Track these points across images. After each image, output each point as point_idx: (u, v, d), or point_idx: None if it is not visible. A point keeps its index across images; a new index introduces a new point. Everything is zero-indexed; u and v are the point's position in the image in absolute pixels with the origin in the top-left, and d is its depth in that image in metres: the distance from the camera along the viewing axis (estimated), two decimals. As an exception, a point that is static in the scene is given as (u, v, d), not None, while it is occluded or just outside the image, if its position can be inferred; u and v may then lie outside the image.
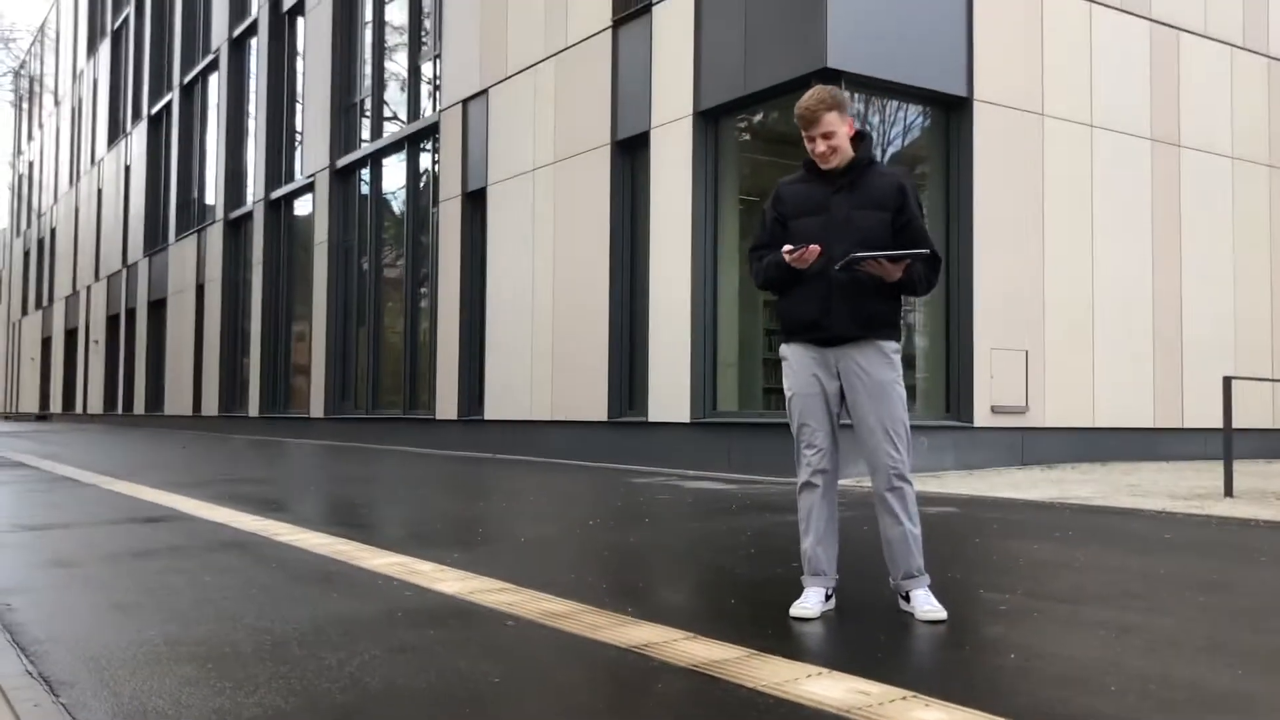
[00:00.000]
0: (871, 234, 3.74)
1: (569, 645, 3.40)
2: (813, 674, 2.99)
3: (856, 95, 10.27)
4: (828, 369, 3.83)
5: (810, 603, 3.79)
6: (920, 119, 10.89)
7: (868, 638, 3.55)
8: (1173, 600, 4.14)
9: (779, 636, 3.50)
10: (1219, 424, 8.56)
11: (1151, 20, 12.12)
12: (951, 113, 10.69)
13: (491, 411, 14.69)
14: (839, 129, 3.80)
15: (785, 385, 3.93)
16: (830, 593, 3.88)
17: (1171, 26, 12.31)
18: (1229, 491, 8.10)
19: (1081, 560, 5.17)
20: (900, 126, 10.94)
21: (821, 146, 3.80)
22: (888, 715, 2.62)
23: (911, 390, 10.71)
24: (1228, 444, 8.28)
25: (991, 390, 10.50)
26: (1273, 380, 10.08)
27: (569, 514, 7.75)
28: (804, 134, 3.83)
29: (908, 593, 3.80)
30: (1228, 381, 8.43)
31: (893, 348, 3.82)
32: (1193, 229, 12.41)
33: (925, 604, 3.73)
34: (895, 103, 10.69)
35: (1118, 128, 11.76)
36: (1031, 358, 10.84)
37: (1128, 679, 2.97)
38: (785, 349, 3.93)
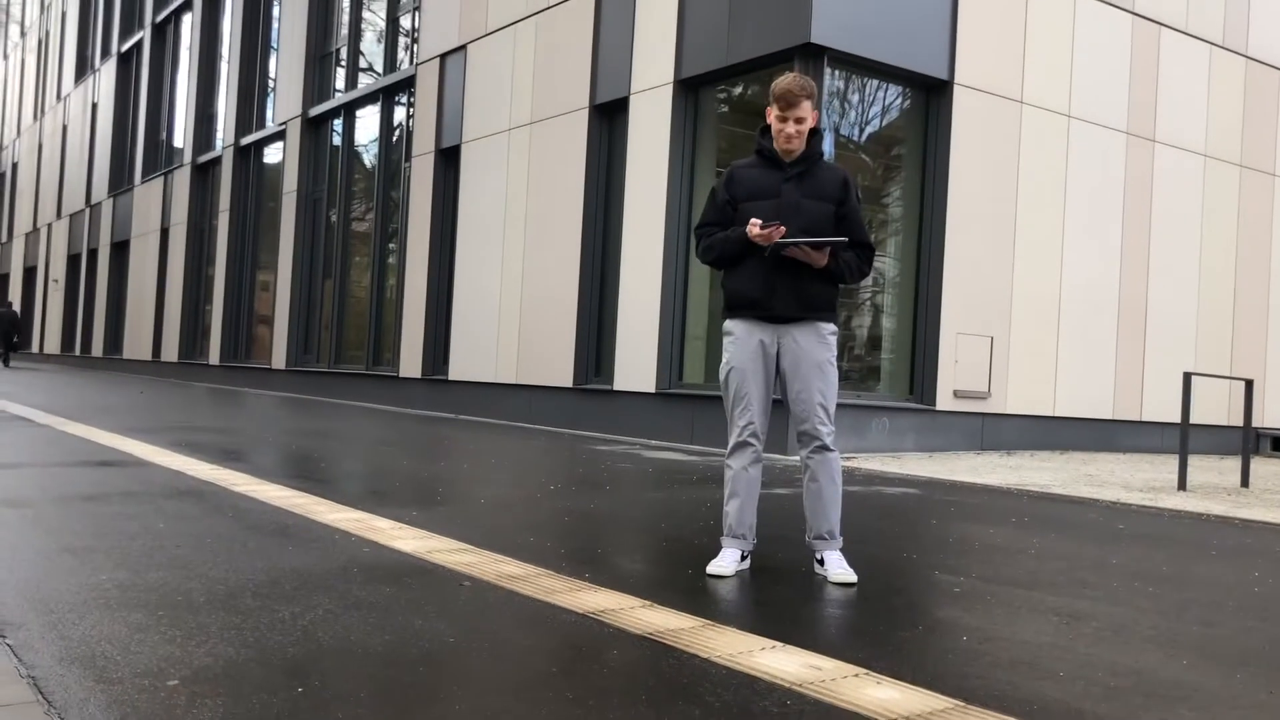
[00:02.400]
0: (816, 222, 4.01)
1: (525, 608, 3.39)
2: (766, 647, 3.01)
3: (837, 73, 10.24)
4: (769, 344, 4.07)
5: (726, 561, 4.05)
6: (900, 100, 10.88)
7: (823, 614, 3.57)
8: (1123, 590, 4.19)
9: (735, 608, 3.51)
10: (1177, 418, 8.68)
11: (1135, 14, 12.16)
12: (931, 95, 10.69)
13: (456, 372, 14.62)
14: (809, 118, 4.05)
15: (725, 357, 4.12)
16: (746, 554, 4.15)
17: (1154, 21, 12.35)
18: (1183, 485, 8.22)
19: (1036, 546, 5.23)
20: (880, 106, 10.92)
21: (792, 129, 4.02)
22: (840, 691, 2.63)
23: (875, 371, 10.78)
24: (1184, 438, 8.39)
25: (955, 375, 10.57)
26: (1231, 378, 10.21)
27: (530, 478, 7.74)
28: (777, 113, 4.03)
29: (822, 556, 4.08)
30: (1187, 377, 8.54)
31: (830, 329, 4.10)
32: (1162, 224, 12.51)
33: (838, 567, 4.01)
34: (876, 82, 10.67)
35: (1094, 119, 11.81)
36: (996, 344, 10.91)
37: (1076, 665, 3.01)
38: (730, 323, 4.13)
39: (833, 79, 10.20)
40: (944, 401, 10.51)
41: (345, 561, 3.98)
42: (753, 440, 4.11)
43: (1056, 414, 11.56)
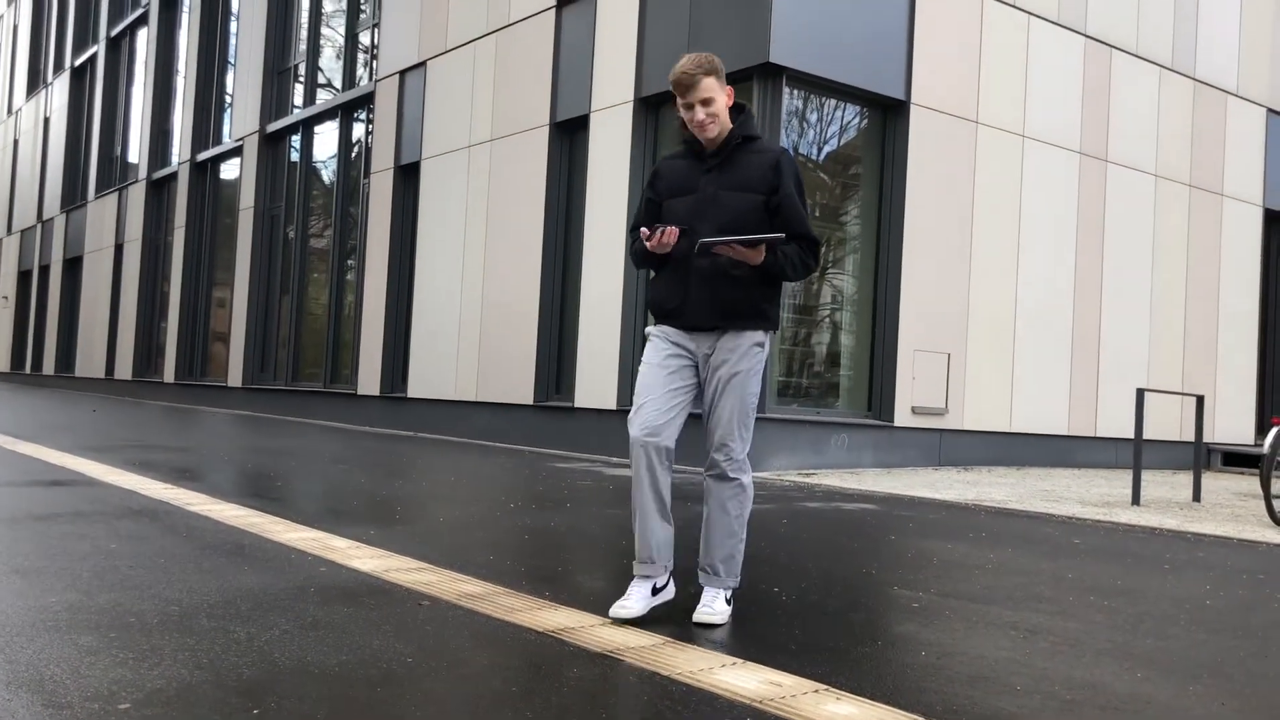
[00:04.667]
0: (741, 216, 3.53)
1: (484, 627, 3.37)
2: (727, 664, 3.00)
3: (796, 92, 10.33)
4: (687, 350, 3.64)
5: (631, 601, 3.49)
6: (858, 119, 10.99)
7: (782, 629, 3.57)
8: (1079, 604, 4.24)
9: (695, 625, 3.51)
10: (1130, 434, 8.80)
11: (1087, 36, 12.38)
12: (888, 115, 10.81)
13: (415, 389, 14.53)
14: (718, 96, 3.56)
15: (643, 359, 3.75)
16: (660, 585, 3.62)
17: (1105, 44, 12.58)
18: (1137, 500, 8.33)
19: (993, 561, 5.27)
20: (838, 125, 11.03)
21: (701, 114, 3.56)
22: (799, 707, 2.64)
23: (834, 388, 10.84)
24: (1138, 454, 8.51)
25: (913, 391, 10.65)
26: (1182, 394, 10.38)
27: (490, 496, 7.70)
28: (680, 102, 3.60)
29: (703, 588, 3.64)
30: (1140, 393, 8.66)
31: (755, 338, 3.61)
32: (1114, 243, 12.71)
33: (705, 605, 3.57)
34: (834, 102, 10.77)
35: (1048, 139, 11.99)
36: (953, 361, 11.02)
37: (1033, 679, 3.03)
38: (651, 330, 3.76)
39: (791, 98, 10.28)
40: (902, 418, 10.59)
41: (302, 581, 3.94)
42: (653, 440, 3.54)
43: (1013, 430, 11.68)
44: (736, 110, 3.64)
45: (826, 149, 11.06)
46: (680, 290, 3.61)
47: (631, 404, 3.66)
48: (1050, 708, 2.77)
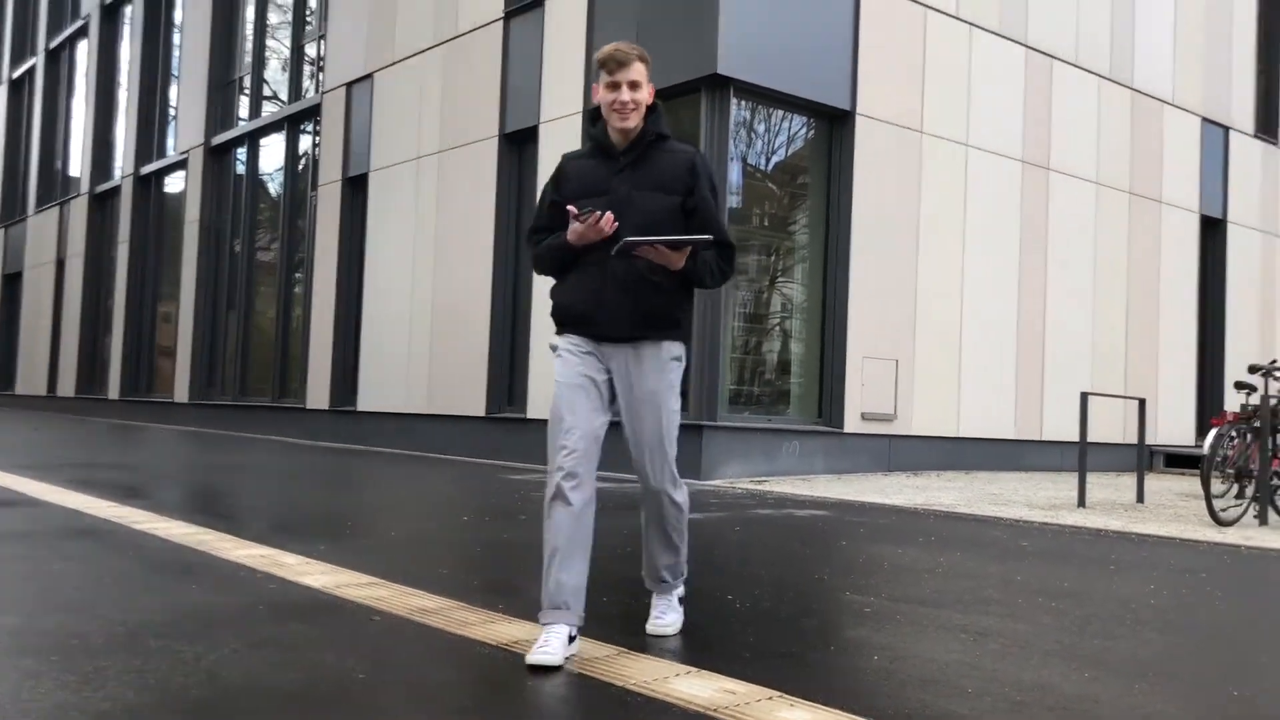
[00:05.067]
0: (655, 218, 3.28)
1: (438, 642, 3.35)
2: (681, 673, 3.01)
3: (743, 103, 10.41)
4: (601, 364, 3.36)
5: (552, 647, 3.05)
6: (805, 130, 11.09)
7: (736, 637, 3.59)
8: (1027, 606, 4.30)
9: (649, 635, 3.51)
10: (1075, 437, 8.94)
11: (1028, 47, 12.59)
12: (835, 125, 10.92)
13: (365, 403, 14.41)
14: (645, 86, 3.35)
15: (555, 376, 3.42)
16: (574, 634, 3.16)
17: (1046, 54, 12.81)
18: (1082, 502, 8.46)
19: (943, 565, 5.33)
20: (785, 136, 11.12)
21: (627, 95, 3.29)
22: (754, 714, 2.65)
23: (785, 395, 10.91)
24: (1082, 456, 8.66)
25: (862, 398, 10.75)
26: (1125, 397, 10.58)
27: (442, 509, 7.65)
28: (606, 80, 3.32)
29: (653, 596, 3.59)
30: (1084, 397, 8.81)
31: (674, 351, 3.38)
32: (1057, 250, 12.93)
33: (658, 613, 3.55)
34: (781, 113, 10.86)
35: (992, 148, 12.18)
36: (901, 367, 11.14)
37: (984, 681, 3.07)
38: (557, 339, 3.45)
39: (739, 109, 10.36)
40: (852, 424, 10.68)
41: (251, 599, 3.89)
42: (570, 482, 3.22)
43: (961, 435, 11.83)
44: (650, 109, 3.41)
45: (774, 159, 11.15)
46: (592, 296, 3.31)
47: (551, 425, 3.34)
48: (1000, 709, 2.81)
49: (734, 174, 10.35)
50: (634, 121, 3.35)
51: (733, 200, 10.43)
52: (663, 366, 3.36)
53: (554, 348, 3.45)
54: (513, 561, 5.30)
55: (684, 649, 3.37)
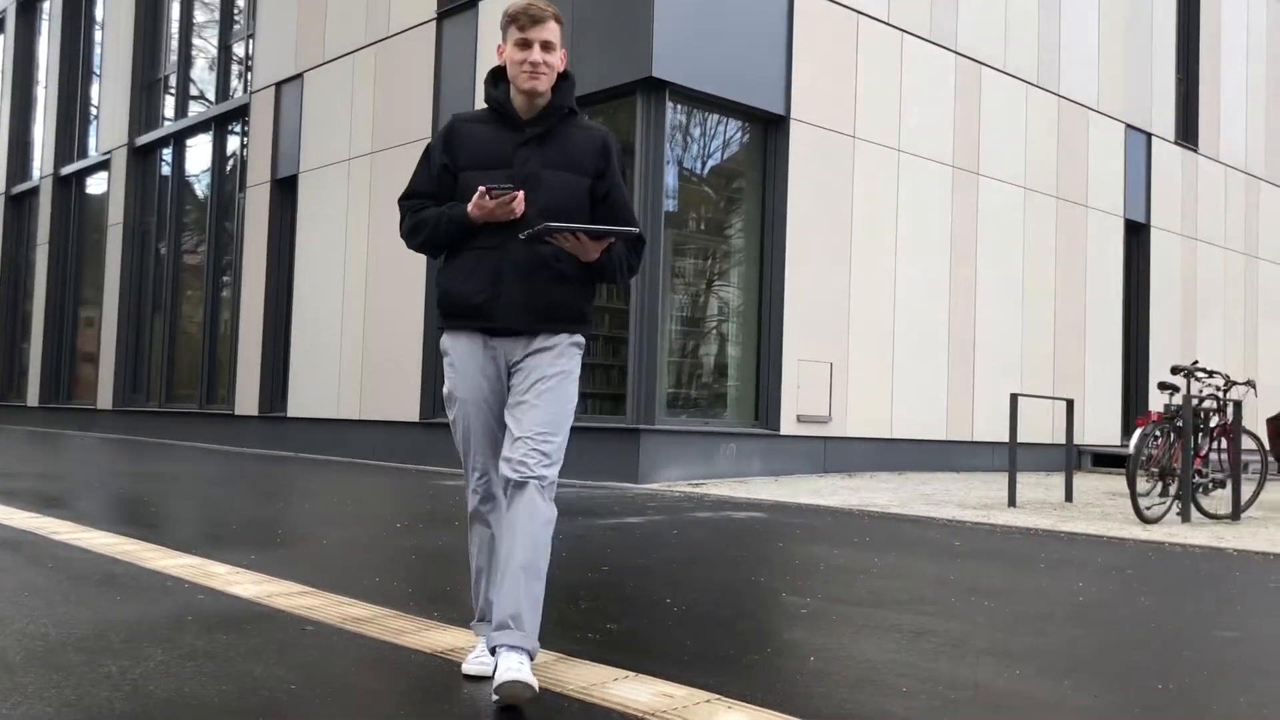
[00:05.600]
0: (563, 200, 2.96)
1: (371, 651, 3.29)
2: (620, 677, 2.99)
3: (679, 107, 10.43)
4: (497, 365, 3.03)
5: (489, 657, 2.90)
6: (740, 134, 11.15)
7: (674, 640, 3.58)
8: (961, 605, 4.35)
9: (586, 640, 3.49)
10: (1006, 438, 9.09)
11: (957, 53, 12.79)
12: (769, 130, 10.99)
13: (295, 408, 14.18)
14: (559, 49, 3.04)
15: (446, 386, 3.08)
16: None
17: (975, 60, 13.02)
18: (1013, 501, 8.60)
19: (878, 566, 5.38)
20: (721, 140, 11.17)
21: (538, 55, 2.97)
22: (692, 717, 2.64)
23: (722, 398, 10.95)
24: (1012, 457, 8.80)
25: (798, 400, 10.83)
26: (1053, 398, 10.78)
27: (374, 516, 7.55)
28: (516, 36, 3.01)
29: (495, 647, 2.79)
30: (1014, 398, 8.96)
31: (575, 342, 3.05)
32: (987, 253, 13.14)
33: (508, 670, 2.66)
34: (716, 117, 10.91)
35: (922, 153, 12.34)
36: (836, 370, 11.24)
37: (919, 680, 3.10)
38: (446, 340, 3.07)
39: (675, 113, 10.38)
40: (788, 426, 10.75)
41: (179, 610, 3.79)
42: (488, 505, 3.08)
43: (894, 436, 11.97)
44: (562, 78, 3.07)
45: (710, 163, 11.19)
46: (488, 283, 2.96)
47: (459, 443, 3.08)
48: (935, 708, 2.83)
49: (670, 177, 10.37)
50: (544, 86, 3.00)
51: (669, 204, 10.45)
52: (562, 351, 3.01)
53: (444, 353, 3.08)
54: (446, 569, 5.24)
55: (622, 653, 3.35)
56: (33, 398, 21.59)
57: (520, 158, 3.00)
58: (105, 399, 18.82)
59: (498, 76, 3.10)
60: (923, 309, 12.32)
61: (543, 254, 2.95)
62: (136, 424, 17.90)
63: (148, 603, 3.92)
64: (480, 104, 3.43)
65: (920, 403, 12.30)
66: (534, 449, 2.88)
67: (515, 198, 2.88)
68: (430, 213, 3.04)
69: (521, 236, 2.88)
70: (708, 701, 2.78)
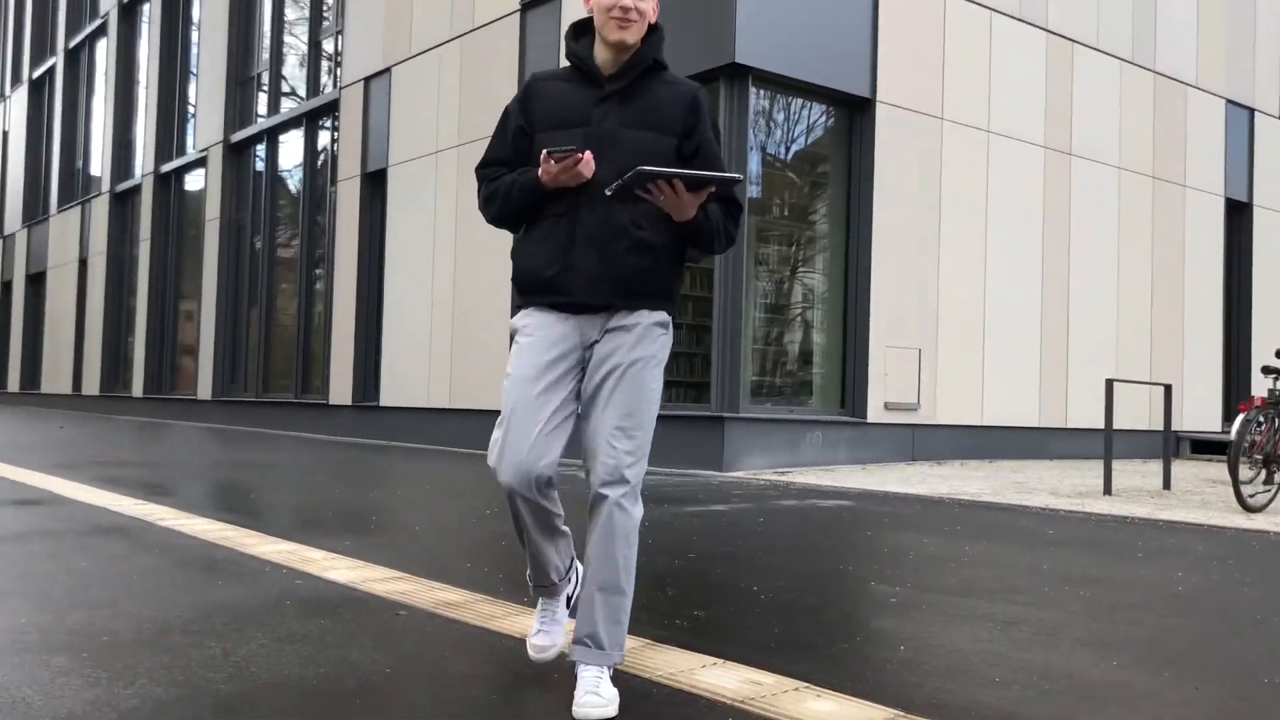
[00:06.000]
0: (645, 161, 2.60)
1: (462, 635, 3.35)
2: (707, 664, 3.00)
3: (762, 92, 10.36)
4: (573, 346, 2.73)
5: (548, 638, 2.88)
6: (824, 118, 11.04)
7: (761, 628, 3.58)
8: (1055, 594, 4.27)
9: (673, 627, 3.51)
10: (1101, 424, 8.88)
11: (1048, 31, 12.48)
12: (855, 113, 10.86)
13: (388, 398, 14.46)
14: (650, 1, 2.77)
15: (507, 367, 2.80)
16: (573, 592, 2.92)
17: (1066, 38, 12.69)
18: (1108, 489, 8.40)
19: (969, 554, 5.31)
20: (805, 125, 11.07)
21: (629, 1, 2.71)
22: (780, 706, 2.64)
23: (807, 385, 10.88)
24: (1108, 444, 8.59)
25: (885, 387, 10.71)
26: (1150, 383, 10.49)
27: (465, 503, 7.67)
28: None
29: (576, 663, 2.65)
30: (1109, 384, 8.75)
31: (657, 317, 2.73)
32: (1081, 235, 12.83)
33: (587, 690, 2.57)
34: (800, 101, 10.82)
35: (1013, 134, 12.09)
36: (924, 356, 11.08)
37: (1011, 670, 3.05)
38: (519, 318, 2.82)
39: (758, 99, 10.32)
40: (875, 414, 10.64)
41: (278, 594, 3.90)
42: (521, 488, 2.72)
43: (985, 423, 11.76)
44: (650, 31, 2.81)
45: (794, 148, 11.10)
46: (559, 253, 2.70)
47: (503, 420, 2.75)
48: (1029, 698, 2.79)
49: (753, 164, 10.31)
50: (634, 36, 2.73)
51: (752, 190, 10.40)
52: (644, 334, 2.70)
53: (513, 333, 2.82)
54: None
55: (709, 640, 3.36)
56: (138, 389, 22.37)
57: (598, 115, 2.73)
58: (205, 390, 19.41)
59: (579, 31, 2.86)
60: (1014, 292, 12.08)
61: (620, 220, 2.66)
62: (235, 414, 18.43)
63: (248, 587, 4.05)
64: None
65: (1012, 389, 12.07)
66: (614, 448, 2.65)
67: (579, 159, 2.59)
68: (503, 180, 2.80)
69: (608, 191, 2.58)
70: (796, 690, 2.78)
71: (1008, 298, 11.99)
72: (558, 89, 2.80)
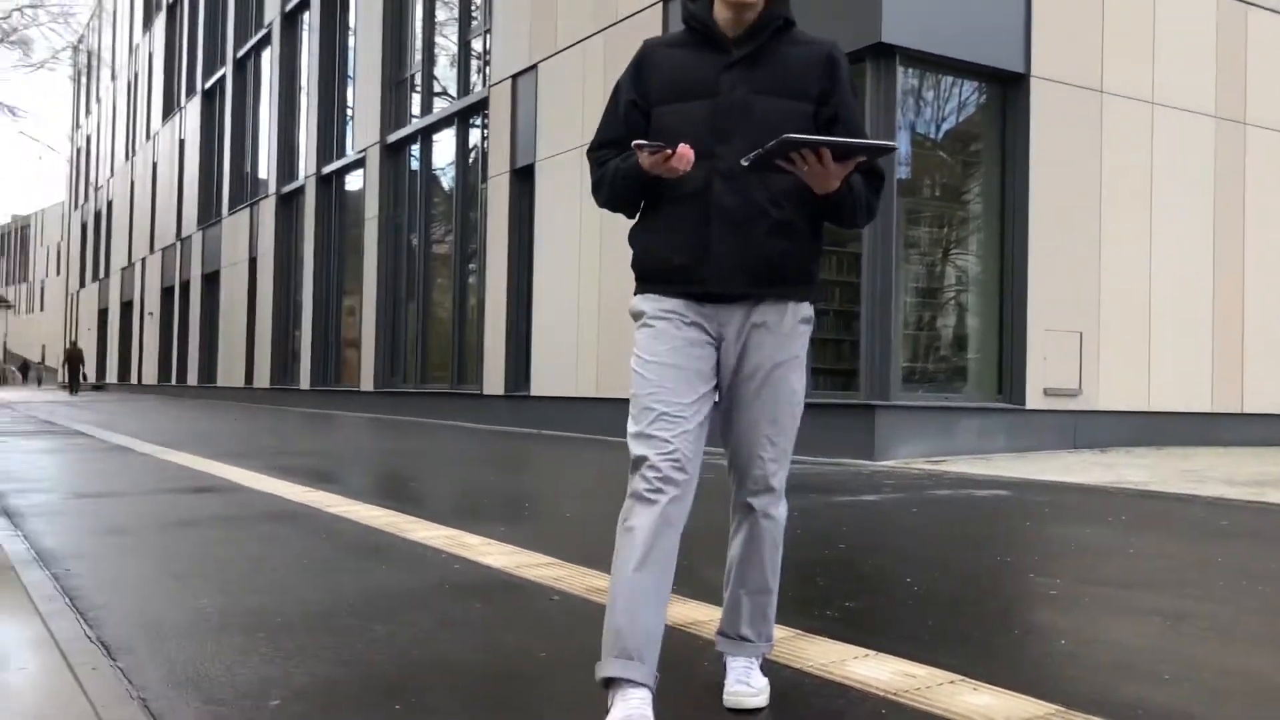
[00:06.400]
0: (783, 128, 2.31)
1: (614, 622, 3.40)
2: (859, 655, 2.97)
3: (910, 71, 10.12)
4: (707, 336, 2.45)
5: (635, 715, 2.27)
6: (976, 96, 10.71)
7: (914, 620, 3.52)
8: (1229, 589, 4.06)
9: (825, 618, 3.48)
10: None
11: (1217, -6, 11.82)
12: (1008, 89, 10.50)
13: (538, 387, 14.75)
14: None
15: (635, 355, 2.52)
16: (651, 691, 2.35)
17: (1239, 0, 11.98)
18: (1288, 478, 7.93)
19: (1134, 546, 5.09)
20: (955, 103, 10.78)
21: None
22: (934, 699, 2.59)
23: (962, 371, 10.59)
24: (1288, 430, 8.10)
25: (1044, 372, 10.35)
26: (1336, 365, 9.85)
27: (616, 491, 7.75)
28: None
29: (727, 658, 2.61)
30: (1289, 366, 8.24)
31: (803, 312, 2.48)
32: (1256, 209, 12.10)
33: (737, 680, 2.55)
34: (950, 79, 10.52)
35: (1180, 105, 11.49)
36: (1086, 339, 10.66)
37: (1181, 668, 2.92)
38: (642, 302, 2.52)
39: (906, 77, 10.08)
40: (1034, 400, 10.30)
41: (437, 579, 4.04)
42: (666, 488, 2.40)
43: (1151, 408, 11.25)
44: None
45: (944, 127, 10.82)
46: (696, 239, 2.41)
47: (637, 415, 2.46)
48: (1201, 698, 2.66)
49: (902, 144, 10.09)
50: None
51: (901, 171, 10.17)
52: (790, 334, 2.45)
53: (638, 315, 2.52)
54: (686, 543, 5.32)
55: (861, 632, 3.32)
56: (304, 381, 23.41)
57: (726, 84, 2.41)
58: (367, 381, 20.18)
59: None
60: (1183, 271, 11.49)
61: (759, 199, 2.38)
62: (395, 404, 19.11)
63: (409, 571, 4.20)
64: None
65: (1181, 372, 11.49)
66: (761, 458, 2.51)
67: (668, 155, 2.28)
68: (609, 166, 2.50)
69: (745, 162, 2.28)
70: (951, 683, 2.72)
71: (1176, 277, 11.42)
72: (676, 57, 2.50)
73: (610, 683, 2.34)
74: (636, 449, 2.42)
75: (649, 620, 2.37)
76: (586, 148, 2.64)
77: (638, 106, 2.51)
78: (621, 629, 2.35)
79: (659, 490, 2.39)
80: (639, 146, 2.31)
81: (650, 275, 2.51)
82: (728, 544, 2.69)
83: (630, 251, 2.60)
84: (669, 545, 2.42)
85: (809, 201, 2.40)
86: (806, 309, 2.49)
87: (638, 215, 2.56)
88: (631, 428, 2.44)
